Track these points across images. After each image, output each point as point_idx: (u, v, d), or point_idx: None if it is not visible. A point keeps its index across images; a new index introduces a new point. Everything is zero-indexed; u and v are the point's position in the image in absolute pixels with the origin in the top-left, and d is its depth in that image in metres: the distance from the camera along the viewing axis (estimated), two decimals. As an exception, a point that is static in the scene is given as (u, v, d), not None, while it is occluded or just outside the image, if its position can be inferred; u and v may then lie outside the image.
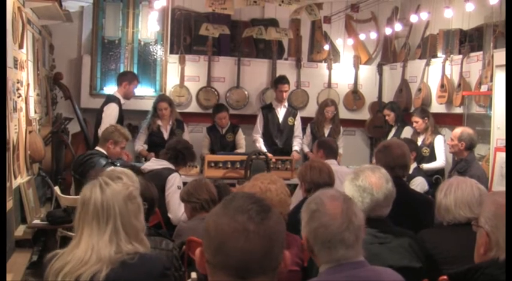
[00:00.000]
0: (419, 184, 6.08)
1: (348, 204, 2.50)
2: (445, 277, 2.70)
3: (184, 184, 5.25)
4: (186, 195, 4.67)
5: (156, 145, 7.86)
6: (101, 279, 2.44)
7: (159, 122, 7.93)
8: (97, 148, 6.14)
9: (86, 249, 2.51)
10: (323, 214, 2.43)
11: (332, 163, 5.58)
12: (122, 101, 7.56)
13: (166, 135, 7.92)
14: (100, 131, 7.11)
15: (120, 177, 2.73)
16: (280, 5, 7.27)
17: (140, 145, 7.96)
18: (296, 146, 8.49)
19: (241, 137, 8.51)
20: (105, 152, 5.98)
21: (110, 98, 7.54)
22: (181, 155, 5.99)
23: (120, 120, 7.43)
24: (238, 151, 8.28)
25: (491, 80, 6.58)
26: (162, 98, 8.06)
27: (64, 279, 2.45)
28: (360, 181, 3.32)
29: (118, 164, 6.05)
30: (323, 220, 2.42)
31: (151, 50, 8.83)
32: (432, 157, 7.44)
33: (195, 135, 8.74)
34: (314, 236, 2.43)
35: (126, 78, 7.66)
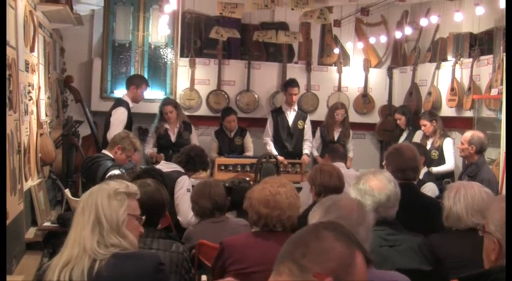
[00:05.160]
0: (430, 190, 6.04)
1: (362, 205, 2.58)
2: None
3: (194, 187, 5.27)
4: (192, 201, 4.69)
5: (163, 147, 7.92)
6: (94, 271, 2.51)
7: (166, 125, 7.97)
8: (104, 151, 6.15)
9: (72, 243, 2.61)
10: (339, 207, 2.47)
11: (340, 166, 5.57)
12: (131, 104, 7.57)
13: (173, 138, 7.98)
14: (108, 134, 7.14)
15: (114, 180, 2.82)
16: (292, 9, 7.30)
17: (150, 148, 8.01)
18: (306, 149, 8.49)
19: (249, 140, 8.54)
20: (111, 156, 5.99)
21: (119, 102, 7.56)
22: (192, 162, 5.99)
23: (129, 124, 7.45)
24: (247, 154, 8.30)
25: (502, 84, 6.56)
26: (166, 101, 8.09)
27: (58, 277, 2.52)
28: (361, 184, 3.35)
29: (124, 171, 6.07)
30: (340, 212, 2.44)
31: (162, 53, 8.86)
32: (441, 160, 7.41)
33: (206, 139, 8.75)
34: None
35: (134, 83, 7.67)
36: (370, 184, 3.32)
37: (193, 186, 5.50)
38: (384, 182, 3.35)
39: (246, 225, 4.58)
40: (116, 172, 5.70)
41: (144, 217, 2.90)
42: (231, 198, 4.92)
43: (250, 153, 8.34)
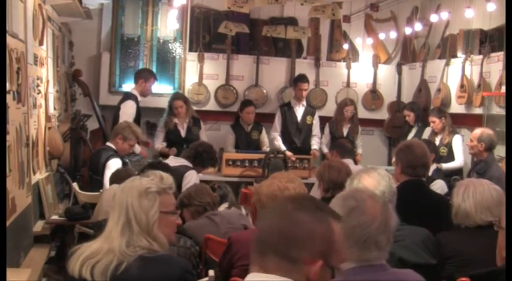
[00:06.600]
0: (439, 187, 6.01)
1: (387, 206, 2.49)
2: (464, 279, 2.68)
3: (201, 181, 5.29)
4: (187, 199, 4.60)
5: (174, 142, 7.90)
6: (119, 270, 2.46)
7: (176, 120, 7.95)
8: (108, 143, 6.28)
9: (102, 240, 2.57)
10: (362, 212, 2.39)
11: (348, 163, 5.55)
12: (139, 98, 7.57)
13: (183, 133, 7.96)
14: (117, 128, 7.17)
15: (149, 175, 2.72)
16: (302, 4, 7.28)
17: (159, 143, 7.99)
18: (315, 144, 8.49)
19: (265, 136, 8.55)
20: (114, 148, 6.05)
21: (127, 96, 7.57)
22: (200, 157, 6.01)
23: (138, 117, 7.45)
24: (265, 149, 8.28)
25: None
26: (176, 96, 8.08)
27: (81, 267, 2.48)
28: (354, 184, 3.31)
29: (127, 161, 6.14)
30: (362, 219, 2.36)
31: (170, 47, 8.85)
32: (450, 157, 7.39)
33: (213, 134, 8.76)
34: (348, 233, 2.33)
35: (142, 76, 7.67)
36: (363, 183, 3.30)
37: (201, 181, 5.52)
38: (377, 179, 3.32)
39: (240, 214, 4.61)
40: (116, 159, 5.78)
41: (179, 211, 2.85)
42: (217, 194, 4.95)
43: (266, 148, 8.32)
